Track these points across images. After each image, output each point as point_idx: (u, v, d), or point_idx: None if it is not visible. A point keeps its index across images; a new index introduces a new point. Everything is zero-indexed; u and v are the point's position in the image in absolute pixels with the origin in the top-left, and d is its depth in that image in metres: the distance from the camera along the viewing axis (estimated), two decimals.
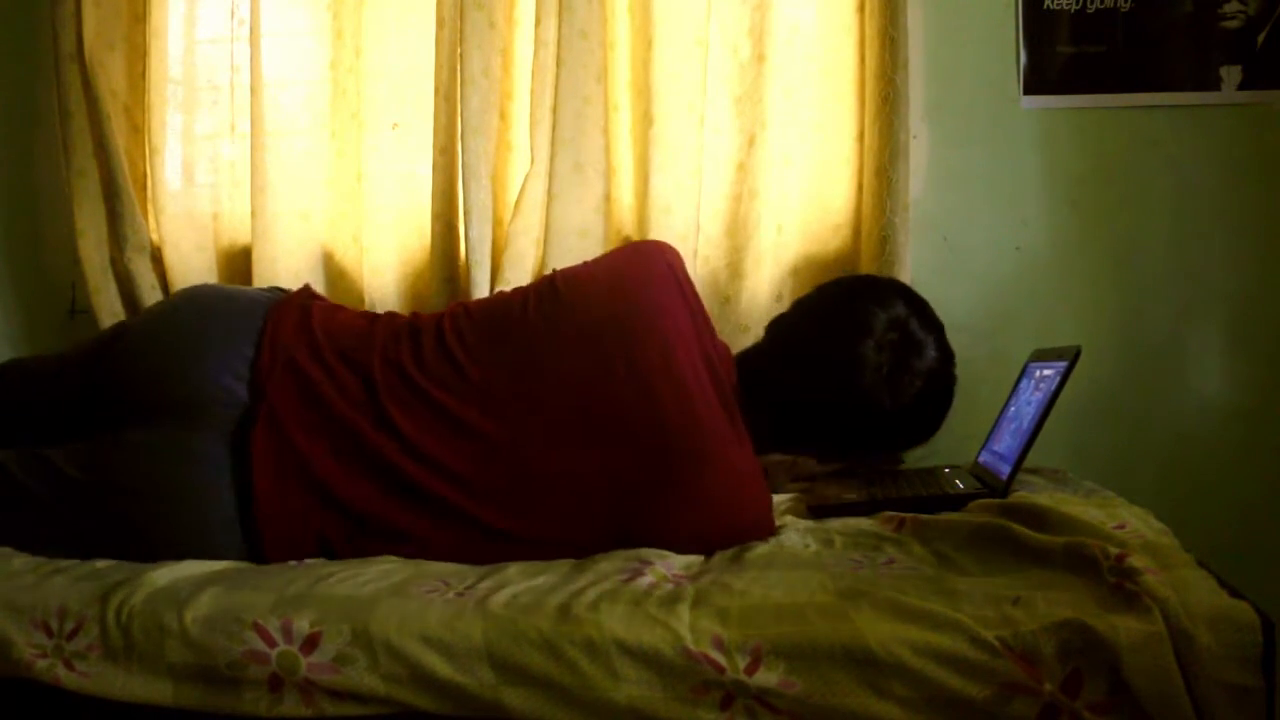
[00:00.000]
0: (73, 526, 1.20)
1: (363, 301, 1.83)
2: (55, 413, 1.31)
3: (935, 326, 1.33)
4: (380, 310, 1.80)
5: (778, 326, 1.41)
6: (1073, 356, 1.32)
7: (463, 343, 1.25)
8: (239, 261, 1.90)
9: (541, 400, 1.19)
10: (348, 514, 1.18)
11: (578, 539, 1.17)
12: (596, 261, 1.41)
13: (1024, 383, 1.50)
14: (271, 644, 0.99)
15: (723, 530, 1.18)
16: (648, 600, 1.00)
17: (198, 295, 1.37)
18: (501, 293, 1.41)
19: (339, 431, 1.20)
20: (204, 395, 1.21)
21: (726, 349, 1.33)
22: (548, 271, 1.46)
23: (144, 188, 1.89)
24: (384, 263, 1.86)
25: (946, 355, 1.33)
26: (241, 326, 1.27)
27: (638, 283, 1.29)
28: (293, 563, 1.17)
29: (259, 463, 1.17)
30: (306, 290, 1.42)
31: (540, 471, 1.17)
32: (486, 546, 1.16)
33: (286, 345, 1.24)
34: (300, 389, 1.22)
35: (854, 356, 1.27)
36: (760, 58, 1.77)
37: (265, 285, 1.66)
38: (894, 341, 1.28)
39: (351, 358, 1.25)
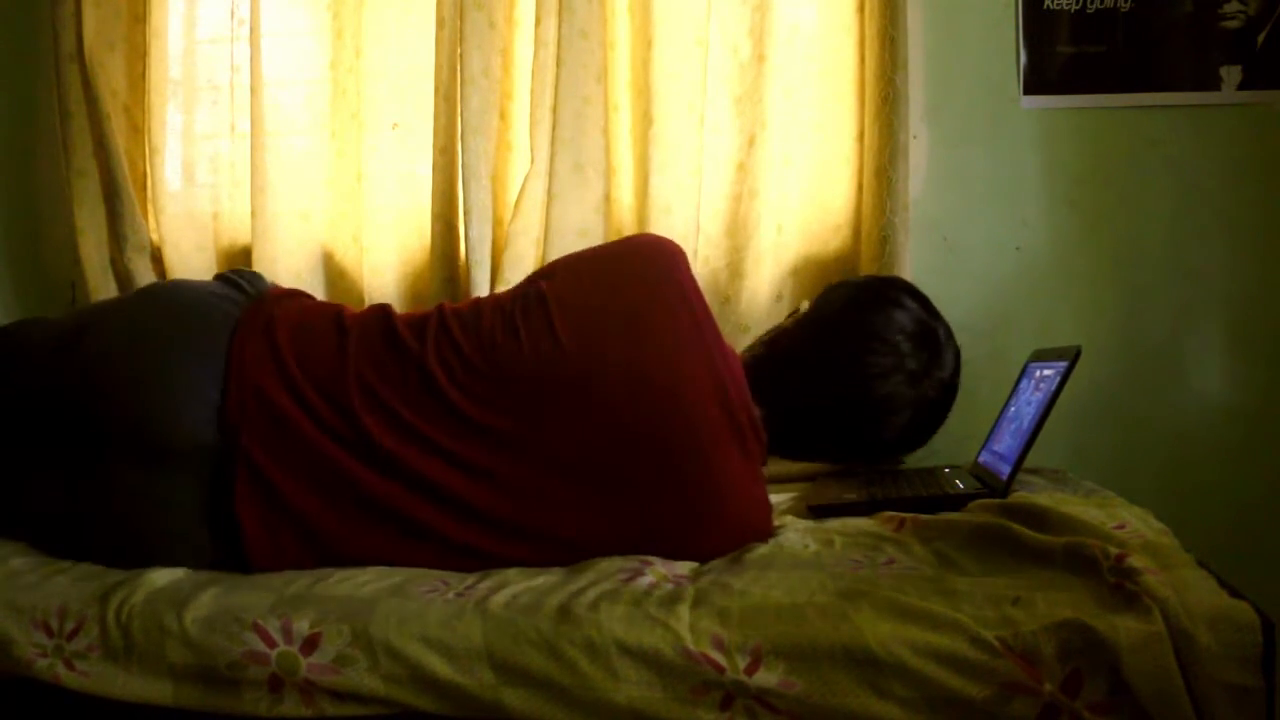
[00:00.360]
0: (66, 533, 1.19)
1: (363, 302, 1.83)
2: (27, 403, 1.23)
3: (947, 331, 1.32)
4: None
5: (786, 341, 1.33)
6: (1073, 356, 1.32)
7: (452, 376, 1.16)
8: (239, 261, 1.90)
9: (542, 436, 1.14)
10: (345, 557, 1.14)
11: (577, 557, 1.15)
12: (589, 266, 1.28)
13: (1024, 383, 1.50)
14: (271, 644, 0.99)
15: (718, 539, 1.16)
16: (648, 600, 1.00)
17: (156, 313, 1.23)
18: (490, 302, 1.25)
19: (326, 474, 1.14)
20: (175, 441, 1.14)
21: (733, 353, 1.27)
22: None
23: (144, 188, 1.89)
24: (384, 263, 1.86)
25: (958, 363, 1.33)
26: (204, 359, 1.17)
27: (637, 299, 1.21)
28: None
29: (248, 522, 1.12)
30: (271, 298, 1.26)
31: (540, 501, 1.14)
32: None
33: (254, 379, 1.15)
34: (277, 432, 1.14)
35: (886, 395, 1.26)
36: (760, 58, 1.77)
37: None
38: (918, 371, 1.27)
39: (328, 390, 1.16)
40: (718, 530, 1.17)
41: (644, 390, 1.15)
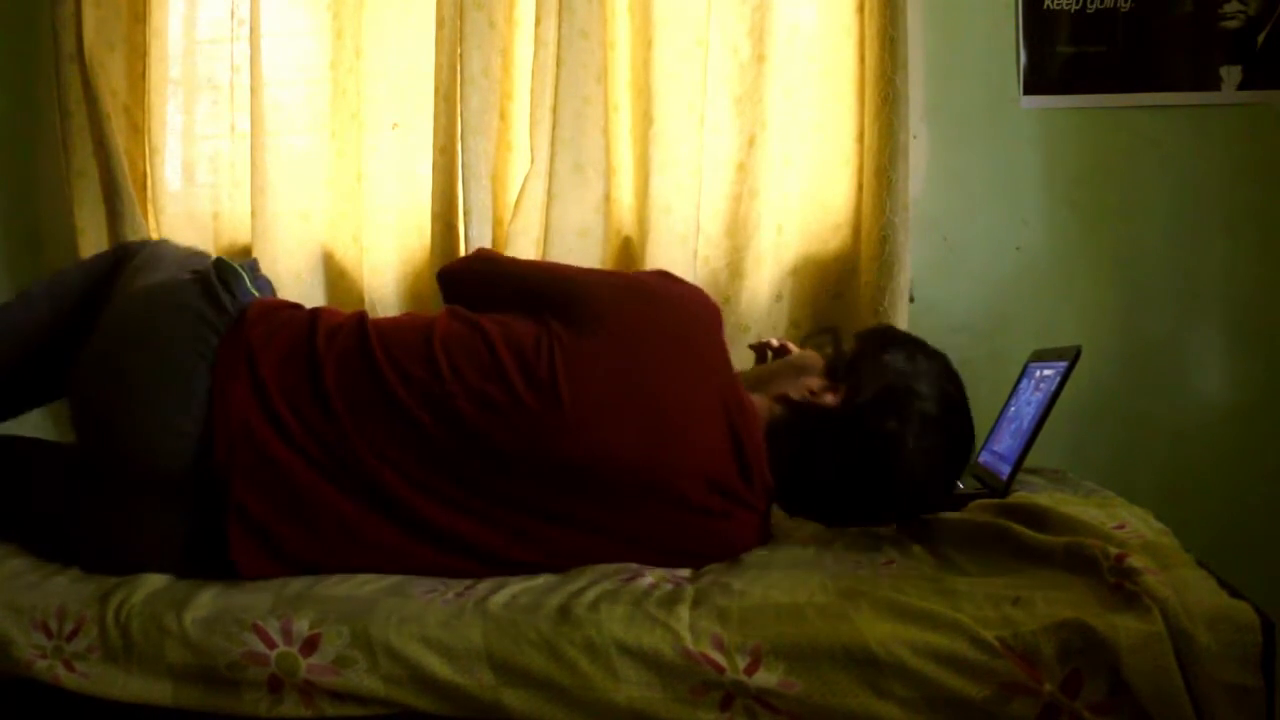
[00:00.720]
0: (56, 534, 1.19)
1: (363, 301, 1.83)
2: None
3: (970, 420, 1.23)
4: (380, 310, 1.80)
5: (819, 427, 1.21)
6: (1073, 356, 1.32)
7: (445, 432, 1.11)
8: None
9: (544, 495, 1.12)
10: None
11: None
12: (607, 316, 1.16)
13: (1024, 383, 1.50)
14: (271, 645, 0.99)
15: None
16: (647, 600, 1.00)
17: (136, 336, 1.18)
18: (480, 341, 1.15)
19: (319, 514, 1.11)
20: (152, 471, 1.12)
21: (753, 413, 1.18)
22: None
23: (144, 188, 1.89)
24: (384, 263, 1.86)
25: (970, 451, 1.27)
26: (181, 389, 1.13)
27: (654, 371, 1.14)
28: None
29: (241, 556, 1.10)
30: (250, 319, 1.17)
31: (546, 546, 1.13)
32: None
33: (242, 418, 1.12)
34: (269, 475, 1.11)
35: (921, 500, 1.22)
36: (760, 58, 1.77)
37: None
38: (951, 480, 1.23)
39: (323, 436, 1.12)
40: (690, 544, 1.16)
41: (645, 466, 1.12)
